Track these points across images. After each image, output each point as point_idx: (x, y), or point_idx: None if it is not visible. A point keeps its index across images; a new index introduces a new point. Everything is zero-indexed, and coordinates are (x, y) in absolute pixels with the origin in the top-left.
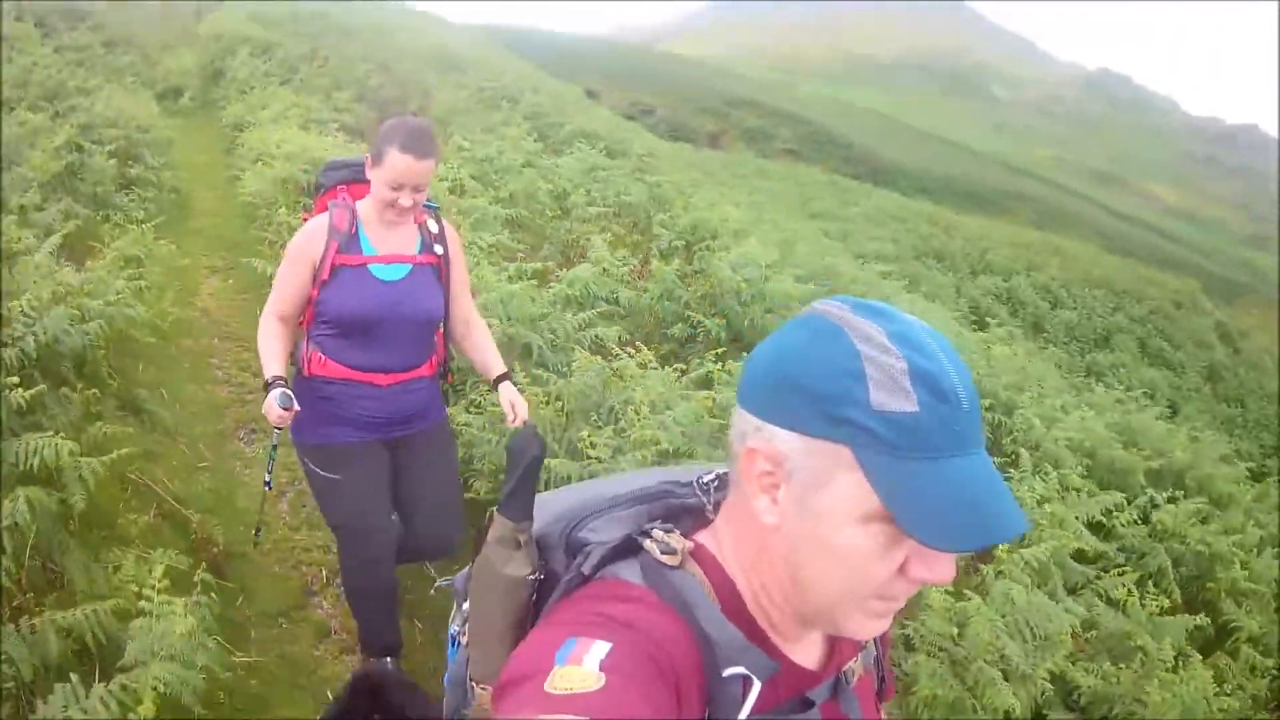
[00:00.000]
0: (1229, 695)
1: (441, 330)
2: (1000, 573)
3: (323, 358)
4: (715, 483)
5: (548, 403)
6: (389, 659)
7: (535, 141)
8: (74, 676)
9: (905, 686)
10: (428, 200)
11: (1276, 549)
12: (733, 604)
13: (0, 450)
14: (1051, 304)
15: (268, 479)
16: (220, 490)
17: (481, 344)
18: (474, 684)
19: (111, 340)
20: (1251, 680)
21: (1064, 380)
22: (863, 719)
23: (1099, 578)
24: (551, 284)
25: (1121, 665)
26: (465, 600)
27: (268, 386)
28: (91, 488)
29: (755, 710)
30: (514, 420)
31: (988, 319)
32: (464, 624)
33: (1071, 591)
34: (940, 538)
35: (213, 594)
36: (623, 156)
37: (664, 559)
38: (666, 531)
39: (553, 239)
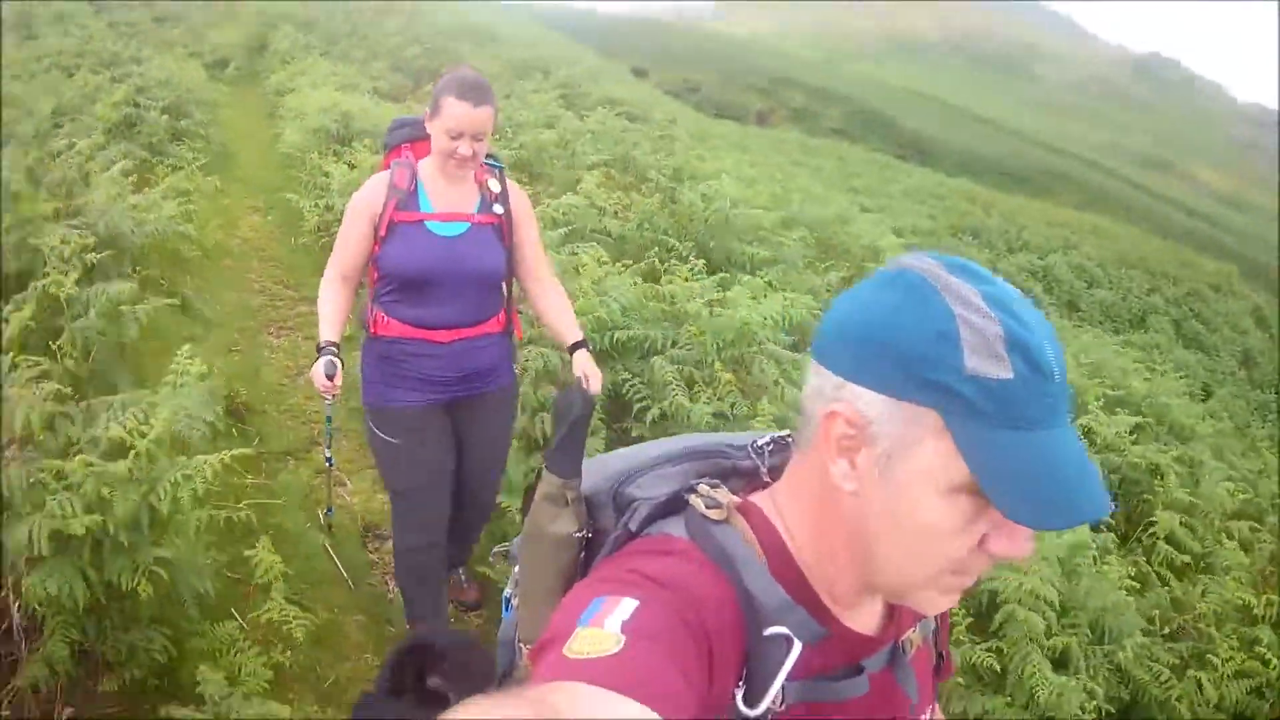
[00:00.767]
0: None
1: (506, 289)
2: None
3: (385, 317)
4: (770, 446)
5: None
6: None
7: (561, 108)
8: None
9: None
10: (492, 158)
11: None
12: (781, 562)
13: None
14: (1088, 283)
15: (328, 454)
16: (248, 366)
17: (556, 306)
18: (521, 644)
19: (163, 251)
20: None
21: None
22: (918, 693)
23: None
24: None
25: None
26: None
27: (319, 350)
28: (143, 323)
29: (802, 674)
30: (590, 387)
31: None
32: (515, 586)
33: None
34: (1028, 513)
35: (234, 429)
36: (644, 122)
37: (709, 513)
38: (713, 487)
39: (556, 180)
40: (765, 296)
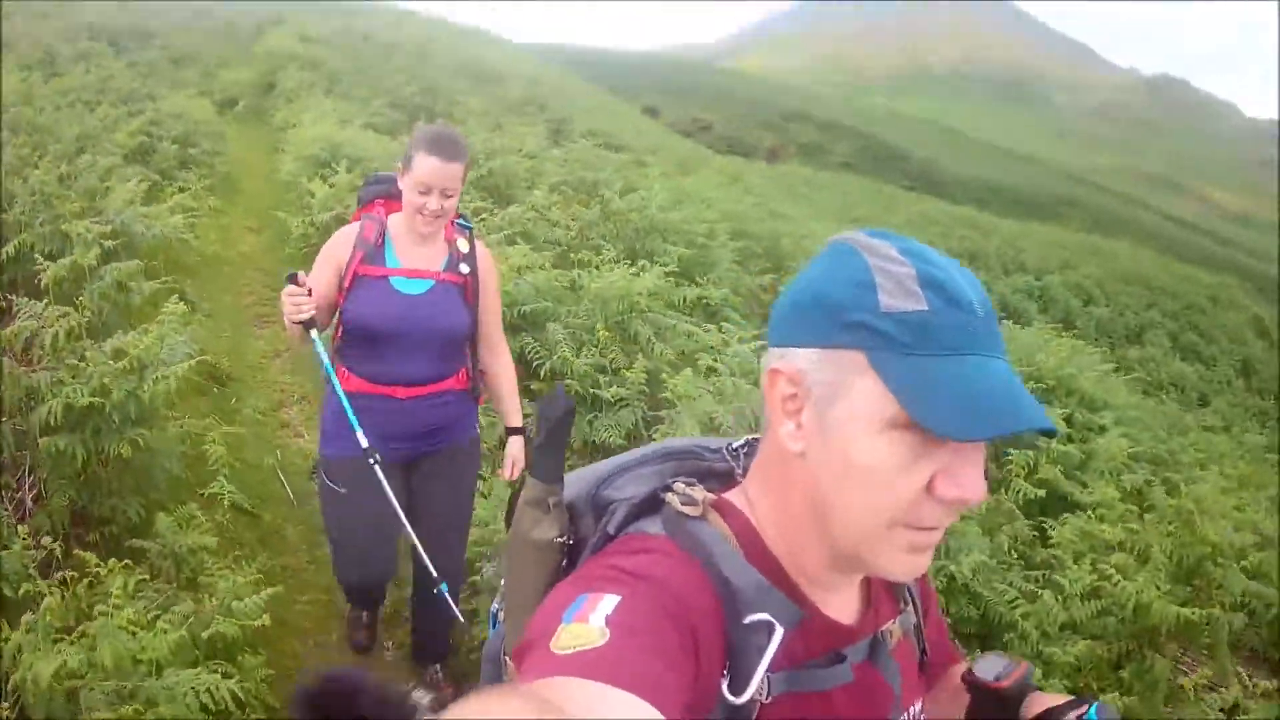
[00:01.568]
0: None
1: (471, 348)
2: None
3: (347, 373)
4: (745, 449)
5: None
6: (364, 613)
7: (545, 139)
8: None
9: None
10: (462, 219)
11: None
12: (756, 551)
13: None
14: (1084, 301)
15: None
16: (235, 345)
17: (505, 384)
18: (506, 658)
19: (168, 253)
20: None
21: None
22: (902, 685)
23: None
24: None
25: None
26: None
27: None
28: (144, 295)
29: (784, 663)
30: (510, 475)
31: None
32: (502, 600)
33: None
34: (958, 426)
35: (215, 389)
36: (627, 151)
37: (684, 509)
38: (688, 485)
39: (517, 199)
40: (666, 280)
